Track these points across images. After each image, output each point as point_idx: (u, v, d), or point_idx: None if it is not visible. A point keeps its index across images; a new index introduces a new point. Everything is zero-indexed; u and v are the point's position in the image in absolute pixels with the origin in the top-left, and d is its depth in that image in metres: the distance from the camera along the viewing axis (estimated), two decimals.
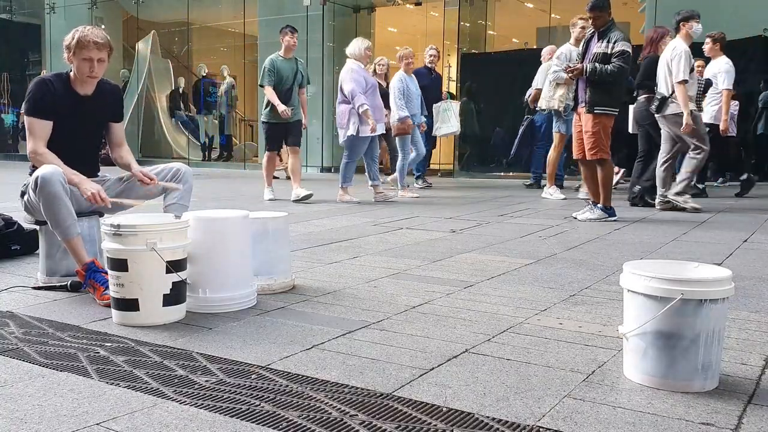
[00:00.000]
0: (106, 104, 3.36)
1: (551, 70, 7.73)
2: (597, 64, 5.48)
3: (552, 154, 7.89)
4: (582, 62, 5.65)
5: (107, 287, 2.77)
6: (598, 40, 5.58)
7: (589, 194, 5.90)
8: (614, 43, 5.46)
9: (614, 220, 5.67)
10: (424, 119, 8.77)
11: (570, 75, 5.75)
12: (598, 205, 5.73)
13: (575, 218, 5.79)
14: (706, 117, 7.53)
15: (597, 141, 5.52)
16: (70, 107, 3.19)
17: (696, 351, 1.91)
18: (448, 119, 9.24)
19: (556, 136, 7.87)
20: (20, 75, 16.93)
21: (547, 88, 7.86)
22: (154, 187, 3.25)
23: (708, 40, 7.72)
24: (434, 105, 9.25)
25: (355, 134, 6.95)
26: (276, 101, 7.14)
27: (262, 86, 7.45)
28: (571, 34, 7.57)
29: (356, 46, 7.13)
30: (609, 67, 5.43)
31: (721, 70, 7.63)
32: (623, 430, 1.68)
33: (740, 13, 9.85)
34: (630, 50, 5.48)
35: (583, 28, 7.27)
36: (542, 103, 7.97)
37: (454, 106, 9.50)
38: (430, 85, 9.22)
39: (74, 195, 3.06)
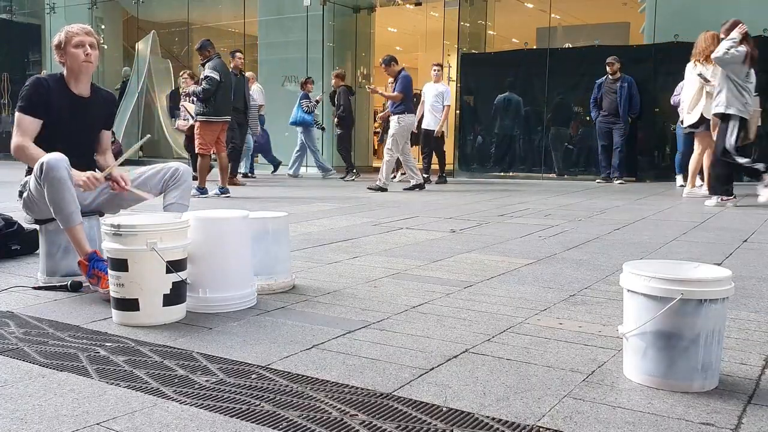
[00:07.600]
0: (101, 109, 3.38)
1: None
2: (195, 86, 8.36)
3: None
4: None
5: None
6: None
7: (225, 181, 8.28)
8: (204, 70, 7.93)
9: (206, 196, 7.89)
10: None
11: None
12: (219, 187, 8.10)
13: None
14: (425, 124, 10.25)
15: (200, 141, 7.89)
16: (65, 106, 3.19)
17: (696, 351, 1.91)
18: None
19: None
20: (20, 75, 16.93)
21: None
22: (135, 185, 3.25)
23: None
24: None
25: None
26: None
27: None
28: None
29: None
30: (198, 89, 7.89)
31: (442, 90, 10.28)
32: (623, 430, 1.68)
33: (740, 13, 9.83)
34: (214, 75, 7.72)
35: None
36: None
37: None
38: None
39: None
